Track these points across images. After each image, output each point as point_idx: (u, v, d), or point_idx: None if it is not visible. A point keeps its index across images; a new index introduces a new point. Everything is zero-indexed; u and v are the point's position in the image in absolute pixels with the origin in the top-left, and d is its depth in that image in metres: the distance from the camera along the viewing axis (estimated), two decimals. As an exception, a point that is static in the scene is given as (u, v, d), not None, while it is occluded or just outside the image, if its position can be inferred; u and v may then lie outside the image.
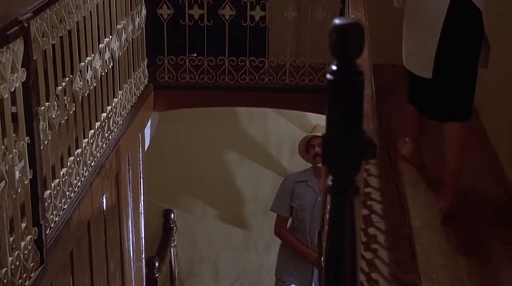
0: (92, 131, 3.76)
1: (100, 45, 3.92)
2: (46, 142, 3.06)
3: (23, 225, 2.86)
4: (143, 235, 5.14)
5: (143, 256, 5.20)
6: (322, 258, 1.74)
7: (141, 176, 5.08)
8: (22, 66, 2.74)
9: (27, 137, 2.82)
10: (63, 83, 3.30)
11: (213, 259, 7.04)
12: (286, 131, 7.08)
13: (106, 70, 4.01)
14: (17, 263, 2.74)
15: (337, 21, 1.24)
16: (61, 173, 3.29)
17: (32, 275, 2.88)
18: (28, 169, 2.81)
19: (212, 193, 7.03)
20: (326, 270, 1.35)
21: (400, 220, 3.68)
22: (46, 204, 3.05)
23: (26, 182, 2.81)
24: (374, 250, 3.30)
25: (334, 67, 1.24)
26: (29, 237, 2.87)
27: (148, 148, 5.61)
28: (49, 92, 3.15)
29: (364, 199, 3.51)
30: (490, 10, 3.83)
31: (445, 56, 3.75)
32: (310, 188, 5.33)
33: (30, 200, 2.88)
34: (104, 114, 3.99)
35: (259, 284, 7.03)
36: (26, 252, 2.83)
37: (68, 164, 3.38)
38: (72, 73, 3.43)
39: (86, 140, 3.66)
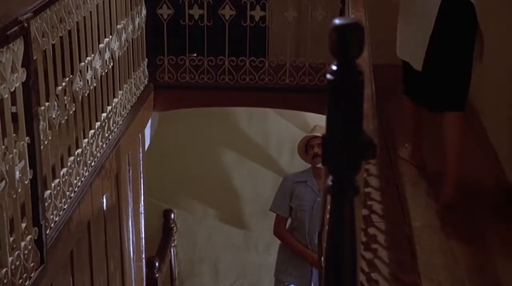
0: (92, 131, 3.76)
1: (100, 45, 3.92)
2: (46, 142, 3.06)
3: (23, 225, 2.86)
4: (143, 235, 5.14)
5: (143, 256, 5.20)
6: (322, 258, 1.74)
7: (141, 176, 5.08)
8: (22, 66, 2.74)
9: (27, 138, 2.82)
10: (63, 83, 3.30)
11: (213, 259, 7.04)
12: (286, 132, 7.09)
13: (106, 70, 4.01)
14: (17, 263, 2.74)
15: (337, 21, 1.24)
16: (61, 173, 3.29)
17: (32, 275, 2.88)
18: (28, 169, 2.81)
19: (212, 193, 7.04)
20: (326, 270, 1.35)
21: (400, 220, 3.68)
22: (46, 204, 3.05)
23: (26, 182, 2.81)
24: (374, 250, 3.30)
25: (334, 67, 1.24)
26: (29, 237, 2.87)
27: (148, 148, 5.61)
28: (49, 92, 3.15)
29: (364, 199, 3.51)
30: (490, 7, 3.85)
31: (438, 47, 3.81)
32: (309, 188, 5.32)
33: (30, 200, 2.88)
34: (104, 114, 3.99)
35: (259, 284, 7.03)
36: (26, 252, 2.83)
37: (68, 163, 3.38)
38: (72, 73, 3.43)
39: (86, 140, 3.66)
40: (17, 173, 2.72)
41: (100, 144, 3.90)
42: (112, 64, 4.13)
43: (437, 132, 4.10)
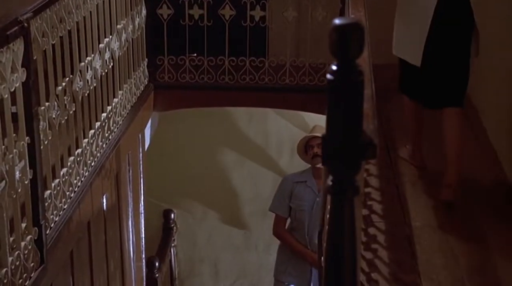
0: (92, 131, 3.76)
1: (100, 45, 3.92)
2: (46, 142, 3.06)
3: (23, 225, 2.86)
4: (143, 235, 5.14)
5: (143, 256, 5.20)
6: (322, 258, 1.74)
7: (141, 176, 5.08)
8: (22, 66, 2.74)
9: (27, 137, 2.82)
10: (63, 83, 3.30)
11: (213, 259, 7.04)
12: (286, 132, 7.09)
13: (106, 70, 4.01)
14: (17, 263, 2.74)
15: (337, 21, 1.24)
16: (61, 173, 3.29)
17: (32, 275, 2.88)
18: (28, 169, 2.81)
19: (212, 193, 7.04)
20: (326, 270, 1.35)
21: (400, 220, 3.68)
22: (46, 204, 3.05)
23: (26, 182, 2.81)
24: (374, 250, 3.30)
25: (334, 67, 1.24)
26: (29, 237, 2.87)
27: (148, 148, 5.61)
28: (49, 92, 3.15)
29: (364, 199, 3.51)
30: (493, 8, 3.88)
31: (436, 43, 3.85)
32: (309, 189, 5.32)
33: (30, 200, 2.88)
34: (104, 114, 3.99)
35: (259, 284, 7.03)
36: (26, 252, 2.83)
37: (68, 163, 3.38)
38: (72, 73, 3.43)
39: (86, 140, 3.66)
40: (17, 173, 2.72)
41: (100, 143, 3.90)
42: (112, 64, 4.13)
43: (437, 132, 4.10)
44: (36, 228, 2.91)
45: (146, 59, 5.09)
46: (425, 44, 3.85)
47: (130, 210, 4.75)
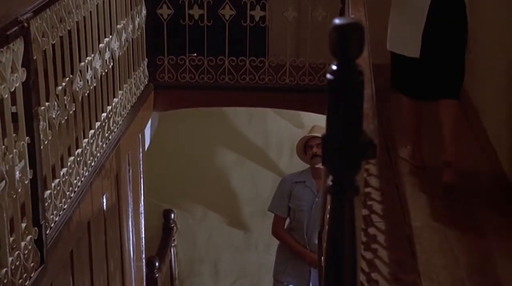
0: (92, 131, 3.76)
1: (100, 45, 3.92)
2: (46, 142, 3.06)
3: (23, 225, 2.86)
4: (143, 235, 5.14)
5: (143, 256, 5.20)
6: (322, 258, 1.74)
7: (141, 176, 5.08)
8: (22, 66, 2.74)
9: (27, 137, 2.82)
10: (63, 83, 3.30)
11: (213, 259, 7.04)
12: (286, 132, 7.09)
13: (106, 70, 4.01)
14: (17, 263, 2.74)
15: (337, 21, 1.24)
16: (61, 173, 3.29)
17: (32, 275, 2.88)
18: (28, 168, 2.81)
19: (212, 193, 7.04)
20: (326, 270, 1.35)
21: (400, 220, 3.68)
22: (46, 204, 3.05)
23: (26, 182, 2.81)
24: (374, 250, 3.30)
25: (334, 67, 1.24)
26: (29, 237, 2.87)
27: (148, 148, 5.61)
28: (49, 92, 3.15)
29: (364, 199, 3.51)
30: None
31: (432, 35, 3.91)
32: (308, 189, 5.31)
33: (30, 200, 2.88)
34: (104, 114, 3.99)
35: (259, 284, 7.03)
36: (26, 252, 2.83)
37: (68, 163, 3.38)
38: (72, 73, 3.43)
39: (86, 140, 3.66)
40: (17, 173, 2.72)
41: (100, 143, 3.90)
42: (112, 64, 4.13)
43: (436, 132, 4.11)
44: (36, 228, 2.91)
45: (146, 59, 5.09)
46: (422, 36, 3.91)
47: (130, 210, 4.75)
